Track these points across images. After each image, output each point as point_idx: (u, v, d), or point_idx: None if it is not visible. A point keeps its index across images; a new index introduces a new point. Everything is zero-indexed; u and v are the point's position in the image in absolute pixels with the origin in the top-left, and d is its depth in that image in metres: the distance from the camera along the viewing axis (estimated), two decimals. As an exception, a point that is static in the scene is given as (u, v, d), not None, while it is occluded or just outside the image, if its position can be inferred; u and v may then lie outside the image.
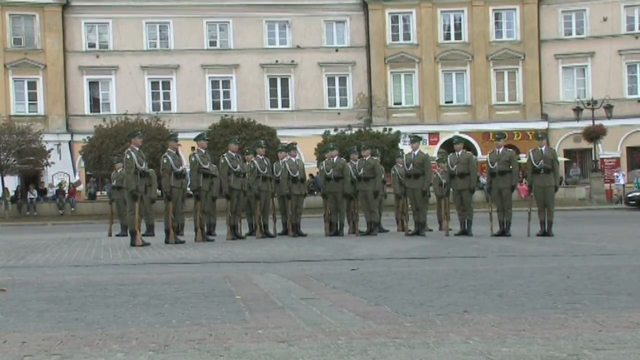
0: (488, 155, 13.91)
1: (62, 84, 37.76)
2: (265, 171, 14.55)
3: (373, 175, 14.38)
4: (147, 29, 38.60)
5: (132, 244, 11.96)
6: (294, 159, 14.93)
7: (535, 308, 4.71)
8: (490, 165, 13.26)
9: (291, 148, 15.27)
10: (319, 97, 39.38)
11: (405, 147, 34.88)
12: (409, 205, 14.50)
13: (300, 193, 14.87)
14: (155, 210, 16.14)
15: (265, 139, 32.75)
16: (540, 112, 39.21)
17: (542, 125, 38.10)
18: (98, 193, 35.70)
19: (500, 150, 13.22)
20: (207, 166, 13.26)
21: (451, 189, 14.28)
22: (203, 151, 13.32)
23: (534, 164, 12.91)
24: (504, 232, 12.96)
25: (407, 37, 39.65)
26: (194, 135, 14.14)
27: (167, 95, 38.72)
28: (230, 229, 13.74)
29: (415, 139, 14.38)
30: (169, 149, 13.16)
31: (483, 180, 34.27)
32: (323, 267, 7.86)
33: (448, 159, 14.28)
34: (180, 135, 14.09)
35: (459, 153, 13.88)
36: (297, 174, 14.71)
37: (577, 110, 35.15)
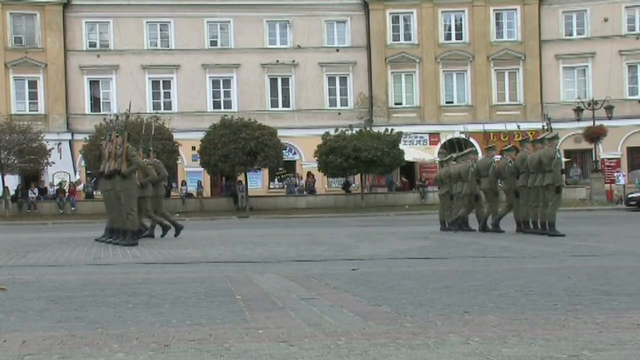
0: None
1: (62, 83, 37.74)
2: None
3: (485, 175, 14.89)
4: (147, 28, 38.57)
5: (130, 244, 11.97)
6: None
7: (535, 309, 4.71)
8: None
9: None
10: (319, 97, 39.36)
11: (410, 149, 35.14)
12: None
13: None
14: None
15: (265, 139, 33.05)
16: (541, 113, 39.18)
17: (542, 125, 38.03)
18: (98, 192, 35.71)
19: (508, 159, 14.42)
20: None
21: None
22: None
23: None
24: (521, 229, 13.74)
25: (407, 37, 39.60)
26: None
27: (167, 95, 38.70)
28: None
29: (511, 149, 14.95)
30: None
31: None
32: (323, 267, 7.85)
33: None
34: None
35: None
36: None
37: (578, 110, 35.15)
